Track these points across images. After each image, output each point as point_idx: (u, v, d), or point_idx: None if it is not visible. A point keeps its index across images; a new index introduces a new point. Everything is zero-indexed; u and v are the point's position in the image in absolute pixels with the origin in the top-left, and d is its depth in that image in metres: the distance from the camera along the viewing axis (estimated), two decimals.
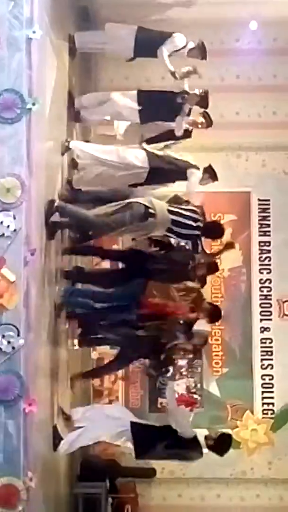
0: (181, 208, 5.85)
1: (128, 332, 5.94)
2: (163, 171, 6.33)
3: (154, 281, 5.91)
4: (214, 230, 6.13)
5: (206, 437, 5.62)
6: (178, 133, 6.64)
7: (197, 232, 5.88)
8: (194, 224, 5.82)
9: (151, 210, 5.64)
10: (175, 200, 6.06)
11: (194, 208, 5.94)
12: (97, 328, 6.19)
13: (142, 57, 6.84)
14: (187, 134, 6.83)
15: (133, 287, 5.86)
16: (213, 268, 6.46)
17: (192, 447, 5.60)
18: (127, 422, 5.64)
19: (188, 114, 6.73)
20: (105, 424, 5.75)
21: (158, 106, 6.56)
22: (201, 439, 5.60)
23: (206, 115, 6.79)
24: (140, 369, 7.48)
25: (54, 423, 5.57)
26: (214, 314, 6.18)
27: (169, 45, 6.61)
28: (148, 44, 6.67)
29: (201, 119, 6.78)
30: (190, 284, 6.08)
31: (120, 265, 6.59)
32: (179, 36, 6.67)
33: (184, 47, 6.71)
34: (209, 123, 6.80)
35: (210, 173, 6.58)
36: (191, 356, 7.02)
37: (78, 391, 6.88)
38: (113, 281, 6.07)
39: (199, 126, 6.81)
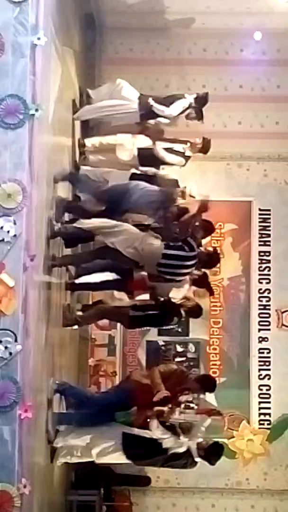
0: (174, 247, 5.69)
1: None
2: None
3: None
4: (209, 262, 6.10)
5: (197, 446, 5.62)
6: None
7: (188, 271, 5.84)
8: (184, 263, 5.72)
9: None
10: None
11: (190, 242, 5.71)
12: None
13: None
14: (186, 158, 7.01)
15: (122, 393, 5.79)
16: (197, 311, 6.40)
17: (185, 457, 5.60)
18: (118, 433, 5.59)
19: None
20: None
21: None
22: (193, 448, 5.59)
23: (205, 141, 7.00)
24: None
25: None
26: (205, 383, 6.03)
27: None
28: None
29: (199, 143, 7.00)
30: (171, 366, 5.95)
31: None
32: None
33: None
34: (207, 148, 7.00)
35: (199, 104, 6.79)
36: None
37: None
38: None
39: (197, 149, 7.02)
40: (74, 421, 5.69)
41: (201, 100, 6.98)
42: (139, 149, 6.89)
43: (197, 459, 5.61)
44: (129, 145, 6.93)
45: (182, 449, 5.55)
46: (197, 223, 5.74)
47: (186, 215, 5.79)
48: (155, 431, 5.53)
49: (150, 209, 6.07)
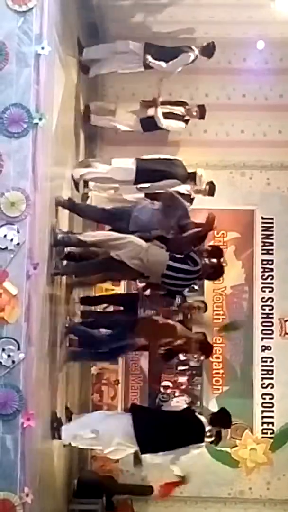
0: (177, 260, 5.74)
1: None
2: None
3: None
4: (214, 274, 6.14)
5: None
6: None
7: (191, 283, 5.93)
8: (187, 276, 5.78)
9: None
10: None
11: (193, 257, 5.76)
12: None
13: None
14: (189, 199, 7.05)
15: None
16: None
17: (196, 429, 5.73)
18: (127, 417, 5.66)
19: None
20: (107, 421, 5.78)
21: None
22: (203, 419, 5.79)
23: (211, 185, 7.01)
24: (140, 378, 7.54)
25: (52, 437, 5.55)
26: (203, 348, 6.21)
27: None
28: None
29: (204, 187, 7.03)
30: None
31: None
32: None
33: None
34: (212, 192, 7.07)
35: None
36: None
37: (77, 406, 6.85)
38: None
39: (202, 193, 7.07)
40: (86, 357, 5.91)
41: (208, 51, 7.01)
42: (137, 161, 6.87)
43: (208, 428, 5.76)
44: (125, 164, 6.91)
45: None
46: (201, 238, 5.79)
47: (191, 231, 5.80)
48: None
49: (157, 229, 6.05)
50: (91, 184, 7.14)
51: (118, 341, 6.03)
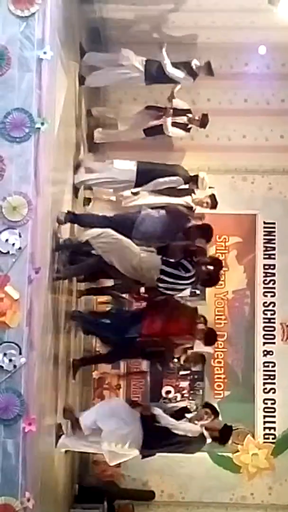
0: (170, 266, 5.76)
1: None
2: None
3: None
4: (209, 281, 6.12)
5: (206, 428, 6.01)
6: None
7: (184, 287, 5.95)
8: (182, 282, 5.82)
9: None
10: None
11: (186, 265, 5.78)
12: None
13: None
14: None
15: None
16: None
17: (197, 440, 5.91)
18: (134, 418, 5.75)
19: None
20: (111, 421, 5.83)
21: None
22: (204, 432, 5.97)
23: (213, 198, 6.98)
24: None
25: (54, 444, 5.54)
26: (208, 336, 6.21)
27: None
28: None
29: (207, 200, 6.99)
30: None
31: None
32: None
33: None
34: (214, 205, 7.02)
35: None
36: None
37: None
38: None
39: (204, 205, 7.02)
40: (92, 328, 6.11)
41: (208, 70, 7.07)
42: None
43: (208, 441, 5.97)
44: (127, 165, 6.91)
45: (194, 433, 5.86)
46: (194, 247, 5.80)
47: (183, 242, 5.85)
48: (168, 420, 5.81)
49: (161, 237, 6.05)
50: (94, 188, 7.14)
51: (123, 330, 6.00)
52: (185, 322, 6.07)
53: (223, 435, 6.11)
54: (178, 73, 6.96)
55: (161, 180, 6.74)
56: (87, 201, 7.20)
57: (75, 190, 6.67)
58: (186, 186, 6.96)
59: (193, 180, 6.97)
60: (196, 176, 6.99)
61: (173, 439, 5.85)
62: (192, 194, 6.95)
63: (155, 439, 5.79)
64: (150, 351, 6.16)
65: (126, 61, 6.88)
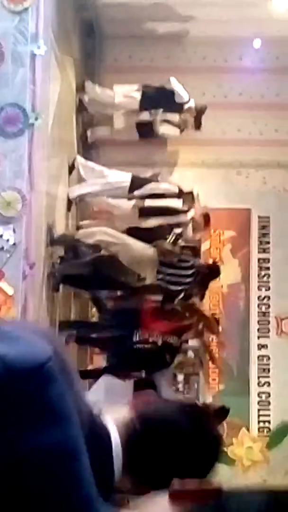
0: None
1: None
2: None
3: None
4: (210, 274, 6.16)
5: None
6: None
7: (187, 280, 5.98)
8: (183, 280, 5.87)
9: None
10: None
11: (185, 262, 5.85)
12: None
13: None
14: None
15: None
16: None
17: None
18: None
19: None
20: None
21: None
22: None
23: (207, 218, 6.99)
24: None
25: None
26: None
27: None
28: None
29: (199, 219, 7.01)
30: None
31: None
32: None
33: None
34: (207, 224, 7.06)
35: None
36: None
37: None
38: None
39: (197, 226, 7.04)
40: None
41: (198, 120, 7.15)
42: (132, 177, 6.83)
43: None
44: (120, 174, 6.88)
45: None
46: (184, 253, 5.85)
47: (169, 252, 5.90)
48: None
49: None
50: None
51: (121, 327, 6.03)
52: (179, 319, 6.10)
53: (219, 415, 6.05)
54: (167, 130, 7.04)
55: (151, 186, 6.71)
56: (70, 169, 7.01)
57: (69, 204, 6.58)
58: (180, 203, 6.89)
59: (187, 196, 6.89)
60: (191, 193, 6.90)
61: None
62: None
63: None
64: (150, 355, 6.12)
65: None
